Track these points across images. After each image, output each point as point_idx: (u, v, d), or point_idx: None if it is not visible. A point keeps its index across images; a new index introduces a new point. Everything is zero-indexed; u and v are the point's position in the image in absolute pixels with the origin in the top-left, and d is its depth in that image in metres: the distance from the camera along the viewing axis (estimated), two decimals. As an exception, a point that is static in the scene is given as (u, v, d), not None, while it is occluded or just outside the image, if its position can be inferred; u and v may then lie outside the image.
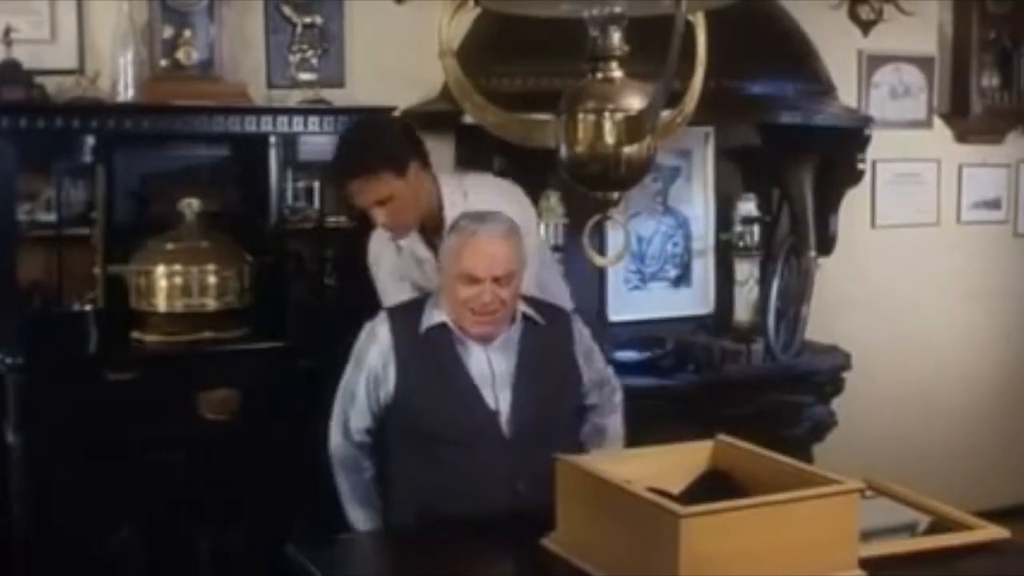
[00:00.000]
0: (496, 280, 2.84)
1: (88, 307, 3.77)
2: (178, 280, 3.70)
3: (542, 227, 3.96)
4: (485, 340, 2.92)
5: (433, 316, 2.95)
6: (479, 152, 4.11)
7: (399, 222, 3.25)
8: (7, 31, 3.80)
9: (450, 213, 3.19)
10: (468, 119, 4.06)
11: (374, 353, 2.97)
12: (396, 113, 4.13)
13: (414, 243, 3.34)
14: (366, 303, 3.88)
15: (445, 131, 4.32)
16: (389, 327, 2.98)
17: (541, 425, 2.88)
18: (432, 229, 3.29)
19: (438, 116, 4.16)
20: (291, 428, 3.66)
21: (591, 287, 4.41)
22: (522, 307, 2.99)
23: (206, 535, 3.66)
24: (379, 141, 3.26)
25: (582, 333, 3.12)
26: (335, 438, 3.04)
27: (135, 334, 3.73)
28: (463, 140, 4.32)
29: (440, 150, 4.34)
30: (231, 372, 3.71)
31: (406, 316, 3.00)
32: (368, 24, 4.30)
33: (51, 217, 3.78)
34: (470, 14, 2.22)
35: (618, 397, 3.18)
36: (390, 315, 3.04)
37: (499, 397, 2.88)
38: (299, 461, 3.59)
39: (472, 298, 2.85)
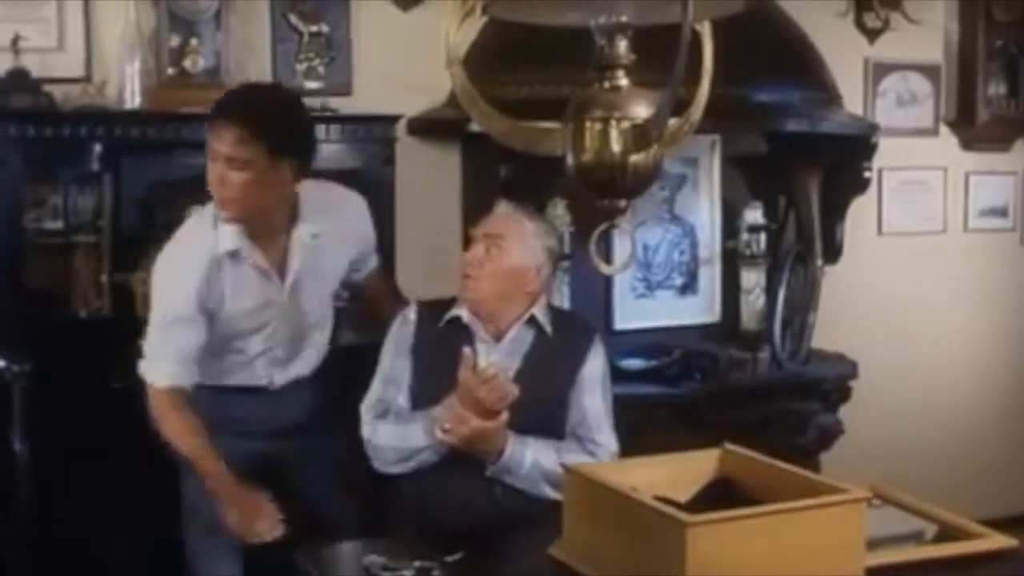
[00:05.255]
0: (488, 237, 2.95)
1: (95, 314, 3.77)
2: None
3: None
4: (472, 308, 3.00)
5: (454, 310, 3.02)
6: (485, 160, 4.12)
7: (242, 202, 2.88)
8: (15, 39, 3.81)
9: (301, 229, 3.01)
10: (475, 127, 4.08)
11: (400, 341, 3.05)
12: (402, 120, 4.14)
13: (250, 250, 3.00)
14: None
15: (451, 139, 4.35)
16: (416, 317, 3.06)
17: (523, 433, 2.88)
18: (265, 234, 3.02)
19: (444, 124, 4.18)
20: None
21: (597, 295, 4.41)
22: (535, 310, 2.99)
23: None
24: (287, 113, 2.97)
25: (596, 362, 3.05)
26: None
27: (141, 342, 3.72)
28: (469, 148, 4.34)
29: (446, 158, 4.38)
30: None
31: (433, 309, 3.07)
32: (374, 32, 4.30)
33: (58, 225, 3.80)
34: (477, 22, 2.22)
35: (583, 457, 2.92)
36: (421, 305, 3.11)
37: None
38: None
39: (466, 260, 2.98)
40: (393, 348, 3.06)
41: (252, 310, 3.05)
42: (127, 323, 3.73)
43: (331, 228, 3.07)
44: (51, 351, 3.66)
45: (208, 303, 2.97)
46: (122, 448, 3.52)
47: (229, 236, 2.96)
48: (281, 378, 3.20)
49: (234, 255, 2.98)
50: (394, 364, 3.03)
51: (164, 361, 3.02)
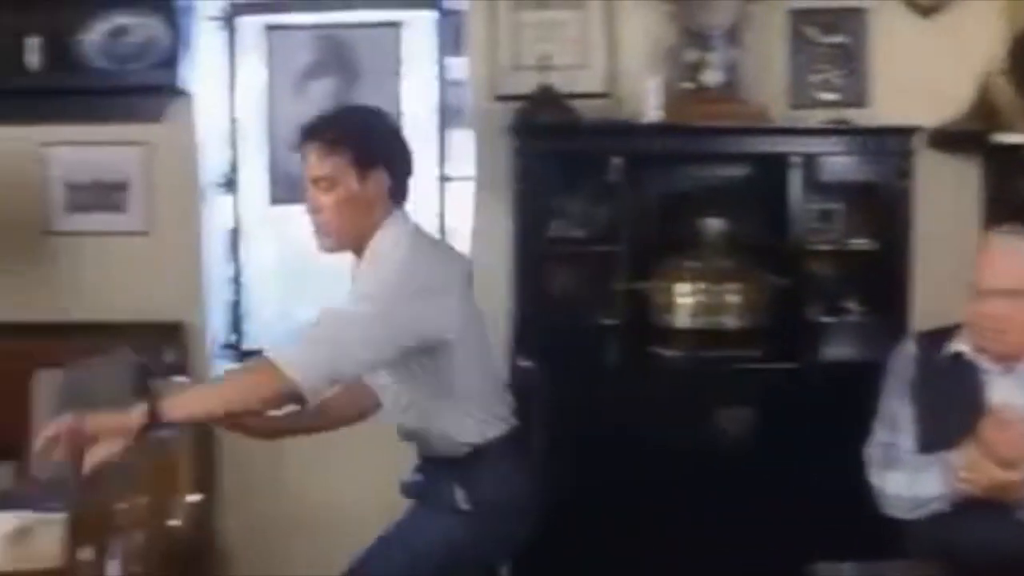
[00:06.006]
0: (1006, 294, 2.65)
1: (611, 321, 3.89)
2: (699, 298, 3.76)
3: None
4: (1002, 362, 2.71)
5: (955, 343, 2.78)
6: (1010, 174, 3.88)
7: (335, 224, 2.68)
8: (544, 59, 4.01)
9: (383, 248, 2.66)
10: (1001, 138, 3.88)
11: (900, 378, 2.83)
12: (919, 132, 3.98)
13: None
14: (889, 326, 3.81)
15: (972, 152, 4.11)
16: (915, 350, 2.84)
17: None
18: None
19: (965, 136, 3.99)
20: (803, 452, 3.63)
21: None
22: None
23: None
24: (365, 124, 2.77)
25: None
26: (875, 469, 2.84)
27: (655, 349, 3.81)
28: (992, 161, 4.09)
29: (964, 171, 4.15)
30: (747, 391, 3.72)
31: (933, 340, 2.84)
32: (893, 41, 4.15)
33: (580, 234, 3.95)
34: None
35: None
36: (918, 338, 2.90)
37: None
38: (810, 487, 3.56)
39: (979, 314, 2.68)
40: (893, 386, 2.86)
41: None
42: (641, 330, 3.85)
43: None
44: (569, 354, 3.83)
45: None
46: (634, 452, 3.60)
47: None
48: None
49: None
50: (896, 404, 2.83)
51: None
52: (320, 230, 2.68)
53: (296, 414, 2.75)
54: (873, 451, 2.83)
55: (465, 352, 2.71)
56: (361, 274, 2.65)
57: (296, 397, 2.49)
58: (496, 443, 2.79)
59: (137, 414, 2.40)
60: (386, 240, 2.65)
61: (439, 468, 2.77)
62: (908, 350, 2.86)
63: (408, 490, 2.87)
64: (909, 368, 2.83)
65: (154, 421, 2.41)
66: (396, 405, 2.76)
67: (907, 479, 2.74)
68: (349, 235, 2.67)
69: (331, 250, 2.71)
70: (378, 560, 2.78)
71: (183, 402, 2.52)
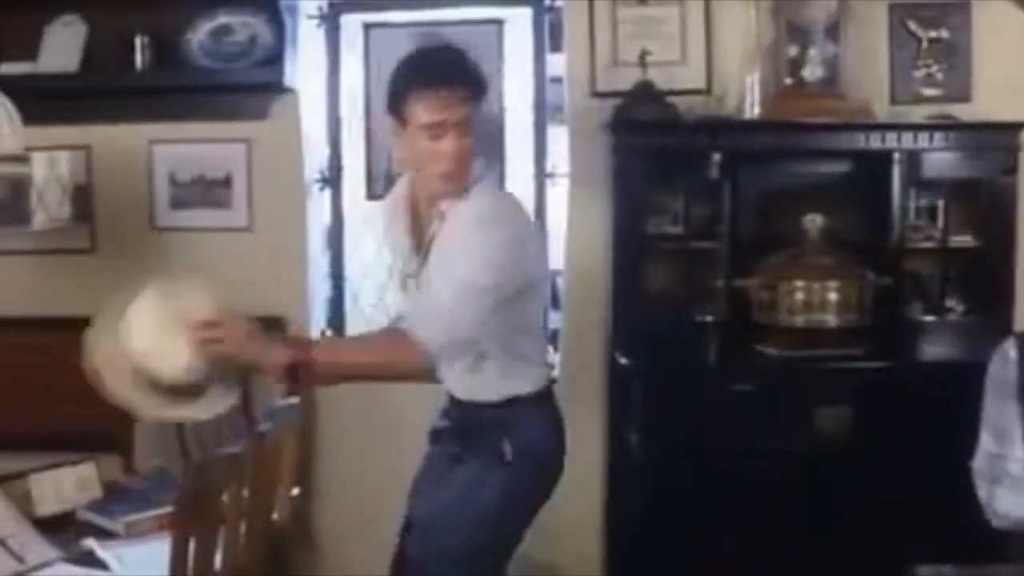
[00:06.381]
0: None
1: (710, 318, 3.89)
2: (800, 295, 3.73)
3: None
4: None
5: None
6: None
7: (465, 169, 2.69)
8: (642, 55, 4.01)
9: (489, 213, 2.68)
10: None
11: (1002, 384, 2.69)
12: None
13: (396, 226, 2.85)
14: (991, 326, 3.76)
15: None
16: (1017, 353, 2.68)
17: None
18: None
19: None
20: (902, 453, 3.59)
21: None
22: None
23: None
24: (471, 60, 2.77)
25: None
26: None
27: (756, 347, 3.80)
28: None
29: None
30: (847, 389, 3.69)
31: None
32: (997, 35, 4.08)
33: (678, 230, 3.95)
34: None
35: None
36: (1019, 341, 2.72)
37: None
38: (907, 487, 3.53)
39: None
40: (995, 393, 2.71)
41: None
42: (742, 327, 3.83)
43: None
44: (668, 350, 3.84)
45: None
46: (731, 449, 3.59)
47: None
48: None
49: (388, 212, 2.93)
50: (1001, 412, 2.68)
51: None
52: (452, 177, 2.67)
53: None
54: (980, 462, 2.71)
55: (538, 299, 2.82)
56: (469, 240, 2.63)
57: (430, 376, 2.61)
58: (536, 395, 2.83)
59: (284, 354, 2.52)
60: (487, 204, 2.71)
61: (481, 419, 2.82)
62: (1009, 354, 2.70)
63: (438, 437, 2.93)
64: (1012, 373, 2.68)
65: (302, 363, 2.51)
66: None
67: (1015, 499, 2.61)
68: (465, 182, 2.70)
69: (454, 196, 2.69)
70: (445, 525, 2.80)
71: (332, 352, 2.61)
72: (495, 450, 2.77)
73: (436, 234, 2.72)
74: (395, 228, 2.87)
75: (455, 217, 2.68)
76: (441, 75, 2.65)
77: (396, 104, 2.69)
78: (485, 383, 2.80)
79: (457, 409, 2.90)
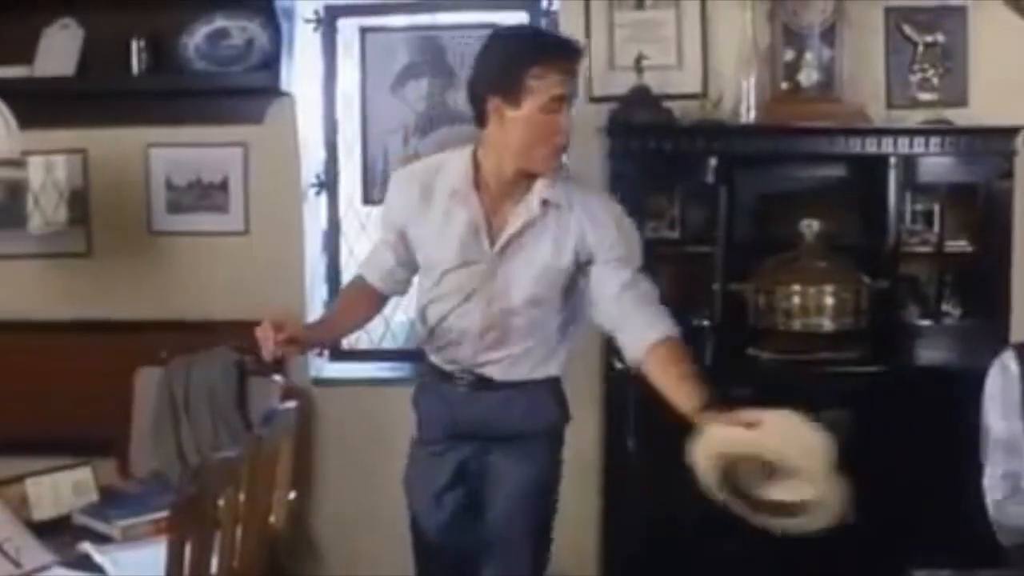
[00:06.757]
0: None
1: (706, 322, 3.89)
2: (796, 299, 3.75)
3: None
4: None
5: None
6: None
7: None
8: (638, 59, 4.02)
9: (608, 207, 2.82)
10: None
11: (1007, 399, 2.67)
12: (1021, 132, 3.91)
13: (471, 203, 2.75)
14: (987, 329, 3.76)
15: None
16: (1017, 366, 2.67)
17: None
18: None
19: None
20: (898, 456, 3.59)
21: None
22: None
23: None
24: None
25: None
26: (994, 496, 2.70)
27: (753, 351, 3.80)
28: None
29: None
30: (843, 393, 3.70)
31: None
32: (993, 40, 4.09)
33: (674, 234, 3.96)
34: None
35: None
36: (1019, 351, 2.71)
37: None
38: (903, 489, 3.53)
39: None
40: (1000, 409, 2.68)
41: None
42: (738, 332, 3.84)
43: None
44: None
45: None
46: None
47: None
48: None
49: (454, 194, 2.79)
50: (1007, 428, 2.67)
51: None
52: (560, 152, 2.72)
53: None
54: (989, 482, 2.68)
55: None
56: (616, 235, 2.77)
57: None
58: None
59: None
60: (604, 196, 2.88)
61: (540, 393, 2.88)
62: (1010, 367, 2.68)
63: (460, 433, 2.90)
64: (1015, 389, 2.66)
65: None
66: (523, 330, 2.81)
67: None
68: None
69: (554, 172, 2.73)
70: (528, 502, 2.87)
71: None
72: (554, 423, 2.92)
73: (533, 223, 2.73)
74: (463, 210, 2.76)
75: (587, 205, 2.75)
76: (564, 48, 2.68)
77: (514, 80, 2.62)
78: (556, 359, 2.88)
79: (495, 393, 2.88)
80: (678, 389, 2.55)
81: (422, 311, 2.91)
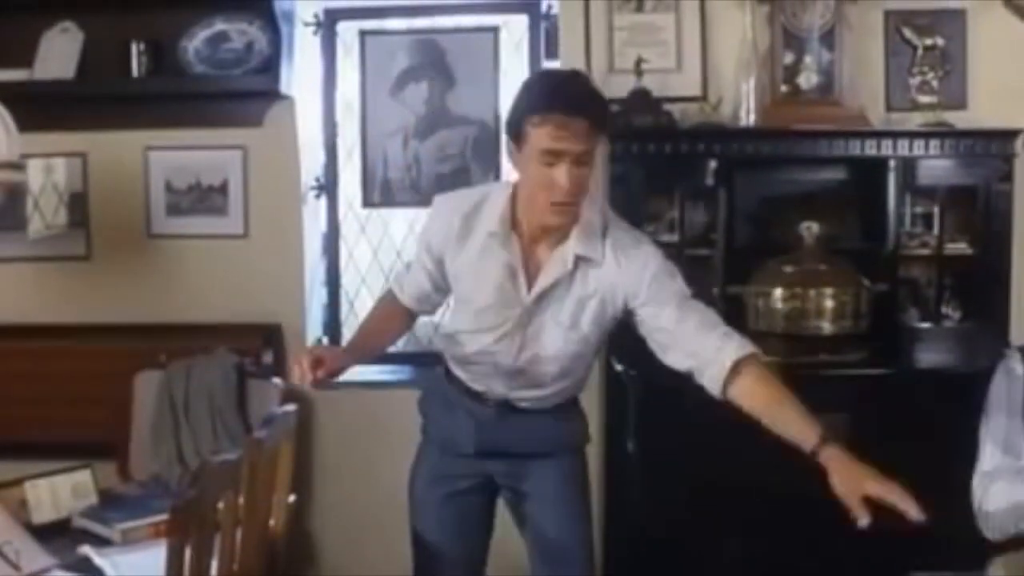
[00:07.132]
0: None
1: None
2: (795, 303, 3.74)
3: None
4: None
5: None
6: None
7: (576, 200, 2.60)
8: (638, 62, 4.01)
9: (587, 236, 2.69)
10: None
11: (1011, 399, 2.67)
12: (1020, 135, 3.91)
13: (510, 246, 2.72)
14: (987, 332, 3.76)
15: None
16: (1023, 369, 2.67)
17: None
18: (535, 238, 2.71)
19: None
20: (898, 460, 3.58)
21: None
22: None
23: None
24: (601, 94, 2.66)
25: None
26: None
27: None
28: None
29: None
30: (843, 396, 3.67)
31: None
32: (992, 42, 4.07)
33: (674, 238, 3.95)
34: None
35: None
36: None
37: None
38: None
39: None
40: (1005, 409, 2.69)
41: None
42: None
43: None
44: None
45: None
46: (724, 455, 3.58)
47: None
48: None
49: (492, 235, 2.73)
50: (1008, 428, 2.67)
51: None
52: (570, 207, 2.60)
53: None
54: (980, 476, 2.70)
55: None
56: (665, 281, 2.81)
57: None
58: None
59: None
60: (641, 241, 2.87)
61: (570, 412, 3.01)
62: (1016, 369, 2.68)
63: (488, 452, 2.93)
64: (1020, 391, 2.66)
65: None
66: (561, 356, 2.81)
67: (1012, 489, 2.61)
68: (576, 215, 2.66)
69: (567, 227, 2.66)
70: (569, 526, 2.98)
71: None
72: (581, 437, 3.08)
73: (570, 282, 2.71)
74: (501, 252, 2.71)
75: (619, 257, 2.73)
76: (568, 104, 2.52)
77: (517, 123, 2.57)
78: (585, 381, 3.00)
79: (524, 416, 2.93)
80: (784, 428, 2.68)
81: (454, 334, 2.90)
